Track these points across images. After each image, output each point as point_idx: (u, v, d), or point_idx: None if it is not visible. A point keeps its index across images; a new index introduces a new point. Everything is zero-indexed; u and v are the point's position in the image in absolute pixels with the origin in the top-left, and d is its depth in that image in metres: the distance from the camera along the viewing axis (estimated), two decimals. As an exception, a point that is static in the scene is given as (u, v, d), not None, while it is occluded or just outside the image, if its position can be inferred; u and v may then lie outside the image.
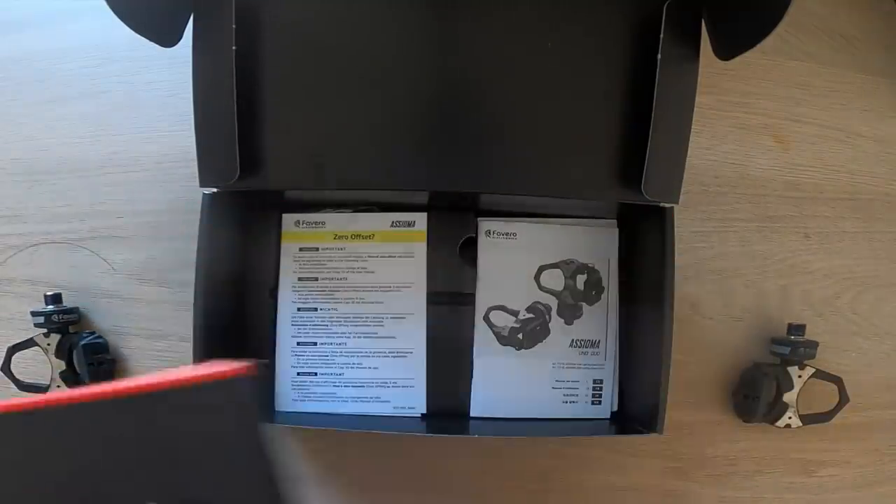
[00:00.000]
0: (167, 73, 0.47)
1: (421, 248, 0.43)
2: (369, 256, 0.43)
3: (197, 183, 0.36)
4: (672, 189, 0.37)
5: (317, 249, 0.43)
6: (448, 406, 0.43)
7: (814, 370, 0.45)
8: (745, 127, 0.49)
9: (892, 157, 0.50)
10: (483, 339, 0.43)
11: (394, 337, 0.43)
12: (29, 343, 0.44)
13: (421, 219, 0.43)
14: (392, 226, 0.43)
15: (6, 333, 0.47)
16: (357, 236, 0.43)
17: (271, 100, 0.36)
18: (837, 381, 0.46)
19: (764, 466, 0.48)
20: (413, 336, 0.43)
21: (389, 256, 0.43)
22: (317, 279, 0.43)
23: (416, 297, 0.43)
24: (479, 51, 0.36)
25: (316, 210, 0.44)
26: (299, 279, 0.43)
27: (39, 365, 0.45)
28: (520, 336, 0.43)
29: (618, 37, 0.37)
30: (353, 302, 0.43)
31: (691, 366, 0.47)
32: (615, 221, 0.44)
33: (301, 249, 0.44)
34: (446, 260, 0.44)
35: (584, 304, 0.44)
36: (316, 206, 0.44)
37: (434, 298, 0.43)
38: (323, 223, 0.44)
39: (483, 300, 0.44)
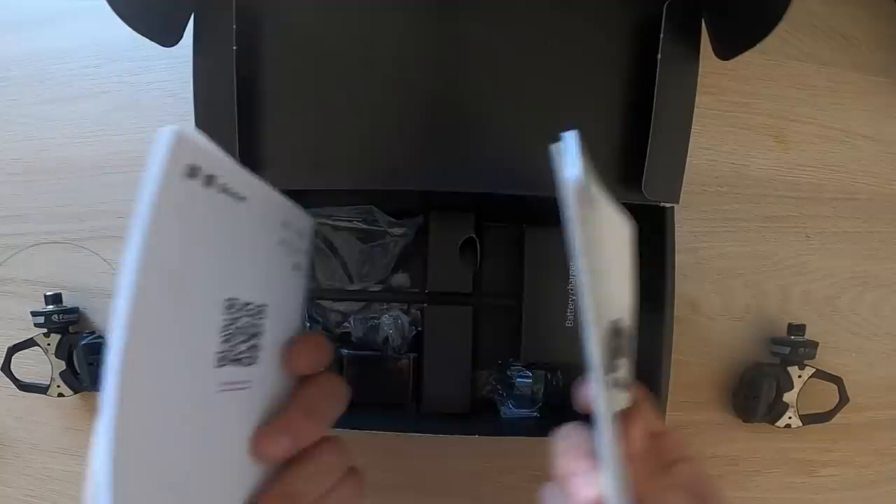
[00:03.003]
0: (167, 73, 0.47)
1: None
2: None
3: (197, 183, 0.36)
4: (672, 189, 0.37)
5: None
6: (447, 406, 0.43)
7: (814, 370, 0.45)
8: (745, 127, 0.49)
9: (892, 157, 0.50)
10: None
11: None
12: (29, 343, 0.44)
13: None
14: None
15: (6, 333, 0.47)
16: None
17: (271, 100, 0.36)
18: (837, 381, 0.46)
19: (764, 466, 0.48)
20: None
21: None
22: None
23: None
24: (479, 51, 0.36)
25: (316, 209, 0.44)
26: None
27: (39, 365, 0.45)
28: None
29: (618, 37, 0.37)
30: None
31: (691, 366, 0.47)
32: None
33: None
34: (446, 260, 0.44)
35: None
36: (316, 205, 0.44)
37: (434, 298, 0.43)
38: None
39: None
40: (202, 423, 0.21)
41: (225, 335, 0.22)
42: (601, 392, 0.18)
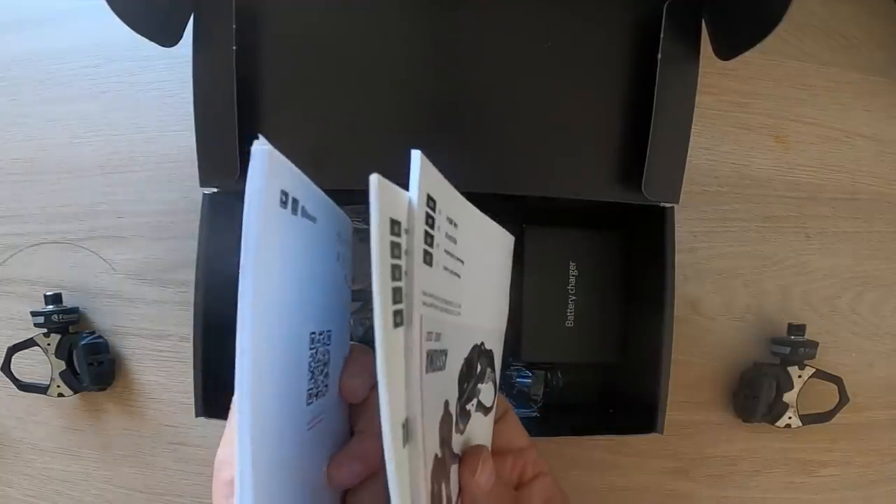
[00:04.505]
0: (167, 73, 0.47)
1: None
2: None
3: (197, 183, 0.36)
4: (672, 189, 0.37)
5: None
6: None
7: (814, 370, 0.45)
8: (745, 127, 0.49)
9: (892, 157, 0.50)
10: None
11: None
12: (29, 343, 0.44)
13: None
14: None
15: (6, 333, 0.47)
16: None
17: (271, 100, 0.36)
18: (837, 381, 0.46)
19: (764, 466, 0.48)
20: None
21: None
22: None
23: None
24: (478, 51, 0.36)
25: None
26: None
27: (39, 365, 0.45)
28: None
29: (618, 36, 0.37)
30: None
31: (691, 366, 0.47)
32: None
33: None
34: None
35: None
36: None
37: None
38: None
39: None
40: (300, 465, 0.20)
41: (310, 370, 0.20)
42: (391, 453, 0.16)
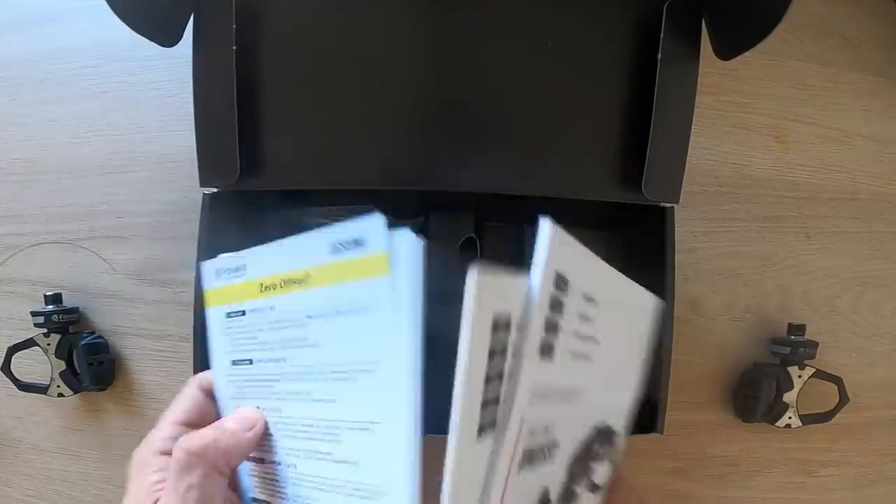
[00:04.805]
0: (167, 73, 0.47)
1: (385, 285, 0.23)
2: (307, 317, 0.25)
3: (197, 183, 0.36)
4: (672, 189, 0.37)
5: (243, 314, 0.27)
6: (445, 404, 0.43)
7: (814, 370, 0.45)
8: (745, 127, 0.49)
9: (892, 157, 0.50)
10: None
11: (356, 463, 0.24)
12: (29, 343, 0.44)
13: (376, 234, 0.25)
14: (333, 252, 0.24)
15: (6, 333, 0.47)
16: (289, 282, 0.25)
17: (271, 100, 0.36)
18: (837, 381, 0.46)
19: (764, 466, 0.48)
20: (390, 462, 0.24)
21: (337, 314, 0.24)
22: (251, 362, 0.27)
23: (394, 386, 0.23)
24: (478, 50, 0.36)
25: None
26: (232, 363, 0.28)
27: (39, 365, 0.45)
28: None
29: (618, 36, 0.37)
30: (298, 399, 0.25)
31: (691, 366, 0.47)
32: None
33: (228, 315, 0.28)
34: (446, 260, 0.44)
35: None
36: (316, 205, 0.44)
37: (433, 298, 0.43)
38: (244, 268, 0.27)
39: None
40: None
41: None
42: None
